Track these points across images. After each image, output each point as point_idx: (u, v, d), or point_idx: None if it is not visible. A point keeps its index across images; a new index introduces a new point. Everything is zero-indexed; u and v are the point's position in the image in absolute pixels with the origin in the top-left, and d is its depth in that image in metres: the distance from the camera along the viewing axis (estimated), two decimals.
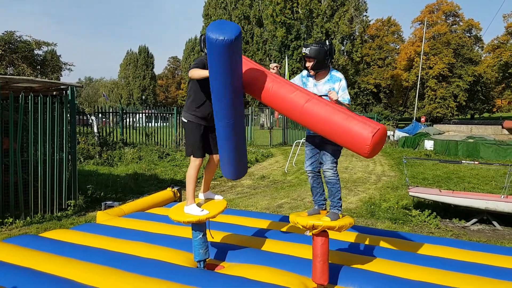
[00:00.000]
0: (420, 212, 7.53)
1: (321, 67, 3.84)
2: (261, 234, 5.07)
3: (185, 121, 4.11)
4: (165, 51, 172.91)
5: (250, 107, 24.81)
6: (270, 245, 4.61)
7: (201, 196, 4.44)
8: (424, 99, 49.79)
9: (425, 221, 7.30)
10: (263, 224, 5.54)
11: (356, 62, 43.35)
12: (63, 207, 7.73)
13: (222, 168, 4.22)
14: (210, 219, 4.07)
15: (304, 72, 4.07)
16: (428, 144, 19.10)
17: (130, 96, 70.89)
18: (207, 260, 4.11)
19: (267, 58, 43.74)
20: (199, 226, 3.99)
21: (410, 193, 7.74)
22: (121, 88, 73.03)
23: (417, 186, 9.21)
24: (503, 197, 7.21)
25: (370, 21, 46.53)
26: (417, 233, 6.49)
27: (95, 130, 15.32)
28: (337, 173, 3.83)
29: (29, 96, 7.11)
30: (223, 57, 3.30)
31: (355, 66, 43.82)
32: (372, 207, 8.37)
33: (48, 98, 7.39)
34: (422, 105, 49.33)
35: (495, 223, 7.19)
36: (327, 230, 3.61)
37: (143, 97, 69.80)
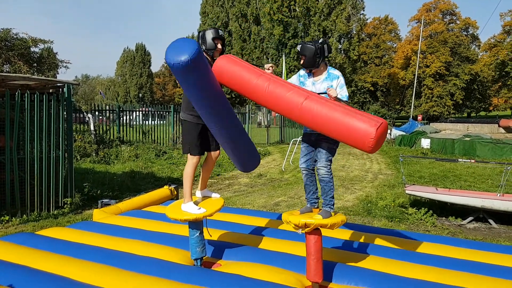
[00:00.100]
0: (417, 210, 7.55)
1: (311, 65, 3.85)
2: (258, 232, 5.08)
3: (183, 119, 4.12)
4: (162, 48, 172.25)
5: (247, 105, 24.80)
6: (267, 243, 4.62)
7: (198, 194, 4.44)
8: (421, 98, 49.90)
9: (421, 219, 7.32)
10: (260, 222, 5.54)
11: (353, 61, 43.35)
12: (60, 205, 7.71)
13: (234, 163, 4.38)
14: (207, 217, 4.08)
15: (302, 71, 4.08)
16: (425, 143, 19.15)
17: (127, 94, 70.69)
18: (204, 258, 4.11)
19: (264, 56, 43.71)
20: (196, 224, 3.99)
21: (407, 191, 7.75)
22: (118, 86, 72.79)
23: (413, 184, 9.23)
24: (499, 195, 7.24)
25: (367, 20, 46.48)
26: (414, 231, 6.51)
27: (92, 128, 15.30)
28: (330, 172, 3.82)
29: (26, 94, 7.08)
30: (185, 77, 3.31)
31: (352, 64, 43.81)
32: (368, 205, 8.39)
33: (44, 96, 7.36)
34: (419, 103, 49.44)
35: (491, 221, 7.22)
36: (320, 228, 3.62)
37: (140, 95, 69.64)
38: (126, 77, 71.10)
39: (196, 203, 4.12)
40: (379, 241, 4.79)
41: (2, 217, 6.81)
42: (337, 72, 3.91)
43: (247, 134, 4.19)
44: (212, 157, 4.38)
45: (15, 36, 21.65)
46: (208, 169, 4.43)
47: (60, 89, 7.94)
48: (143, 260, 4.06)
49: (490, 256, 4.33)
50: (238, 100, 44.71)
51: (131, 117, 18.89)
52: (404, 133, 22.35)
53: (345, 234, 4.99)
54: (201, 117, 3.84)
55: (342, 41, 41.60)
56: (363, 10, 41.85)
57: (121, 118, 17.61)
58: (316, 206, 4.04)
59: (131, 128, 17.83)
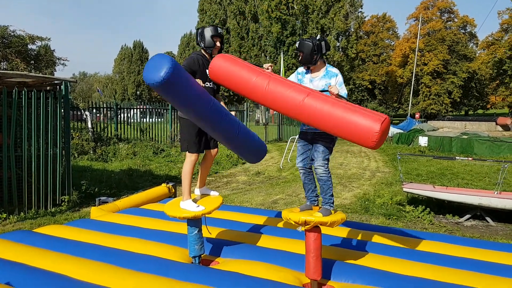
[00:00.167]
0: (414, 208, 7.56)
1: (309, 61, 3.85)
2: (256, 230, 5.08)
3: (181, 117, 4.11)
4: (160, 46, 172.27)
5: (245, 103, 24.78)
6: (265, 241, 4.62)
7: (197, 191, 4.44)
8: (419, 96, 49.91)
9: (418, 217, 7.34)
10: (258, 220, 5.55)
11: (351, 59, 43.33)
12: (57, 202, 7.70)
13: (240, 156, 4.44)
14: (206, 215, 4.08)
15: (300, 69, 4.09)
16: (422, 141, 19.17)
17: (125, 91, 70.54)
18: (202, 256, 4.11)
19: (262, 54, 43.65)
20: (195, 222, 3.99)
21: (404, 189, 7.77)
22: (115, 83, 72.64)
23: (411, 182, 9.24)
24: (497, 193, 7.26)
25: (365, 17, 46.50)
26: (411, 228, 6.52)
27: (89, 125, 15.26)
28: (328, 170, 3.83)
29: (23, 91, 7.06)
30: (165, 93, 3.32)
31: (350, 62, 43.81)
32: (366, 203, 8.41)
33: (41, 93, 7.34)
34: (416, 101, 49.45)
35: (488, 219, 7.24)
36: (319, 226, 3.62)
37: (138, 92, 69.47)
38: (123, 75, 70.94)
39: (194, 200, 4.13)
40: (376, 239, 4.79)
41: (0, 215, 6.80)
42: (335, 70, 3.92)
43: (245, 128, 4.16)
44: (210, 155, 4.38)
45: (12, 34, 21.59)
46: (206, 167, 4.43)
47: (58, 87, 7.92)
48: (141, 258, 4.06)
49: (487, 254, 4.34)
50: (236, 98, 44.67)
51: (129, 115, 18.85)
52: (401, 131, 22.37)
53: (342, 232, 5.00)
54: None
55: (340, 39, 41.57)
56: (361, 8, 41.87)
57: (119, 116, 17.57)
58: (316, 204, 4.04)
59: (128, 126, 17.80)
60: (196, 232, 3.98)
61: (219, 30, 4.19)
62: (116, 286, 3.45)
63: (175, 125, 18.37)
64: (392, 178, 11.53)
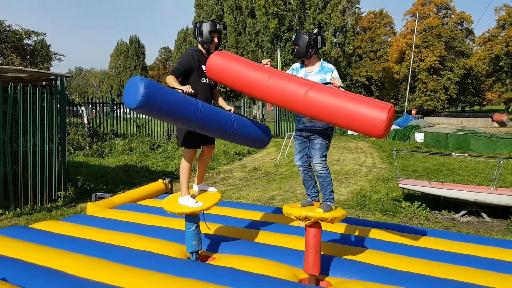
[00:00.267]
0: (410, 204, 7.59)
1: (303, 55, 3.84)
2: (253, 225, 5.09)
3: None
4: (157, 41, 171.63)
5: (242, 99, 24.75)
6: (262, 237, 4.62)
7: (195, 187, 4.44)
8: (415, 92, 50.01)
9: (414, 213, 7.36)
10: (255, 216, 5.55)
11: (348, 55, 43.32)
12: (53, 198, 7.68)
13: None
14: (204, 211, 4.07)
15: (295, 65, 4.10)
16: (419, 137, 19.23)
17: (121, 86, 70.20)
18: (199, 251, 4.11)
19: (260, 50, 43.56)
20: (193, 218, 3.99)
21: (400, 185, 7.79)
22: (111, 78, 72.29)
23: (407, 178, 9.28)
24: (492, 189, 7.29)
25: (362, 13, 46.39)
26: (407, 224, 6.54)
27: (85, 121, 15.21)
28: (327, 167, 3.83)
29: (18, 86, 7.02)
30: (147, 113, 3.44)
31: (347, 58, 43.79)
32: (362, 198, 8.43)
33: (37, 88, 7.30)
34: (413, 97, 49.56)
35: (484, 215, 7.27)
36: (320, 222, 3.62)
37: None
38: (120, 70, 70.61)
39: (193, 196, 4.12)
40: (372, 235, 4.81)
41: None
42: (331, 66, 3.92)
43: (241, 121, 4.16)
44: (207, 151, 4.38)
45: (8, 28, 21.44)
46: (204, 162, 4.43)
47: (53, 82, 7.87)
48: (138, 253, 4.06)
49: (482, 250, 4.36)
50: (233, 94, 44.60)
51: (125, 110, 18.78)
52: (398, 127, 22.43)
53: (339, 228, 5.01)
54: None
55: (337, 34, 41.52)
56: (358, 4, 41.74)
57: (115, 111, 17.52)
58: (317, 200, 4.06)
59: (125, 122, 17.75)
60: (194, 228, 3.98)
61: (218, 26, 4.17)
62: (113, 282, 3.45)
63: None
64: (388, 174, 11.56)
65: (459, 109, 58.47)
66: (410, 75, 37.02)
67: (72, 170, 9.82)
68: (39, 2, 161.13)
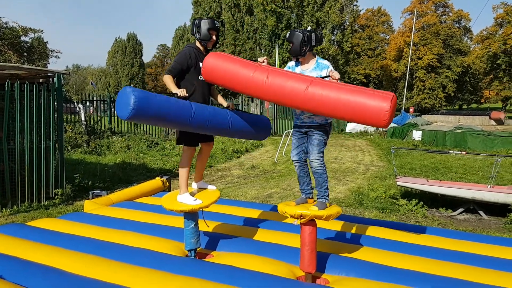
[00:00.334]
0: (408, 202, 7.60)
1: (298, 53, 3.82)
2: (250, 223, 5.08)
3: None
4: (154, 38, 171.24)
5: (240, 97, 24.73)
6: (260, 234, 4.62)
7: (194, 185, 4.43)
8: (413, 90, 50.06)
9: (412, 211, 7.38)
10: (252, 213, 5.55)
11: (346, 52, 43.29)
12: (50, 196, 7.66)
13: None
14: (203, 209, 4.07)
15: (290, 63, 4.09)
16: (416, 135, 19.25)
17: (118, 84, 70.00)
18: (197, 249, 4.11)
19: (258, 47, 43.49)
20: (192, 215, 3.98)
21: (398, 183, 7.80)
22: (109, 76, 72.07)
23: (404, 176, 9.29)
24: (490, 187, 7.31)
25: (360, 11, 46.40)
26: (404, 222, 6.56)
27: (83, 118, 15.17)
28: (323, 163, 3.82)
29: (16, 84, 7.00)
30: (140, 122, 3.55)
31: (345, 56, 43.77)
32: (360, 196, 8.44)
33: (34, 86, 7.28)
34: (411, 95, 49.60)
35: (481, 212, 7.29)
36: (315, 219, 3.62)
37: (132, 85, 69.02)
38: (117, 67, 70.39)
39: (192, 194, 4.11)
40: (370, 232, 4.81)
41: None
42: (326, 62, 3.91)
43: (237, 117, 4.17)
44: (206, 148, 4.37)
45: (5, 25, 21.38)
46: (202, 160, 4.42)
47: (51, 79, 7.85)
48: (135, 251, 4.05)
49: (480, 247, 4.37)
50: (231, 92, 44.54)
51: None
52: (396, 125, 22.44)
53: (336, 225, 5.01)
54: None
55: (335, 32, 41.50)
56: (356, 1, 41.76)
57: (112, 109, 17.47)
58: (311, 197, 4.05)
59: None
60: (192, 225, 3.98)
61: (216, 23, 4.15)
62: (110, 280, 3.44)
63: None
64: (386, 172, 11.58)
65: (457, 107, 58.56)
66: (408, 73, 37.03)
67: (69, 167, 9.80)
68: (37, 0, 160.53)
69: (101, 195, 6.90)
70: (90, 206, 5.98)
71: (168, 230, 4.70)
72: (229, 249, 4.25)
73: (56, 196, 7.67)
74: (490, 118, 27.74)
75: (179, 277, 3.39)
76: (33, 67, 7.34)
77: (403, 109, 33.25)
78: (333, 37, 41.03)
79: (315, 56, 3.96)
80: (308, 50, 3.83)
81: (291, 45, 3.84)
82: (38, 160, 7.41)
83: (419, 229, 5.08)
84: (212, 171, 11.93)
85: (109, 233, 4.61)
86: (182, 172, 4.10)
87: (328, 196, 3.87)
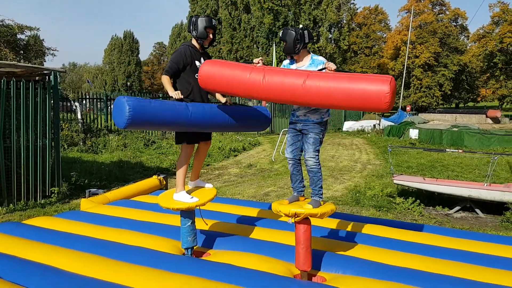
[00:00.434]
0: (404, 200, 7.62)
1: (291, 51, 3.83)
2: (247, 222, 5.08)
3: None
4: (151, 36, 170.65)
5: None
6: (257, 233, 4.62)
7: (191, 184, 4.42)
8: (410, 88, 50.10)
9: (409, 209, 7.39)
10: (249, 212, 5.55)
11: (343, 51, 43.35)
12: (47, 194, 7.64)
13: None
14: (200, 207, 4.07)
15: (285, 62, 4.11)
16: (413, 133, 19.28)
17: (115, 82, 69.82)
18: (194, 247, 4.10)
19: (255, 45, 43.48)
20: (188, 214, 3.98)
21: (395, 181, 7.81)
22: (105, 74, 71.85)
23: (401, 174, 9.30)
24: (486, 185, 7.33)
25: (357, 9, 46.49)
26: (401, 220, 6.57)
27: (79, 116, 15.11)
28: (318, 162, 3.82)
29: (12, 81, 6.96)
30: (137, 129, 3.62)
31: (342, 54, 43.82)
32: (357, 195, 8.45)
33: (30, 84, 7.25)
34: (407, 94, 49.65)
35: (477, 210, 7.31)
36: (309, 217, 3.62)
37: (128, 83, 68.81)
38: (114, 65, 70.17)
39: (188, 192, 4.11)
40: (367, 230, 4.82)
41: None
42: (321, 58, 3.91)
43: (235, 112, 4.17)
44: (204, 147, 4.36)
45: (1, 23, 21.28)
46: (200, 159, 4.42)
47: (47, 77, 7.82)
48: (132, 249, 4.04)
49: (476, 245, 4.38)
50: None
51: None
52: (392, 124, 22.48)
53: (333, 223, 5.02)
54: None
55: (332, 30, 41.54)
56: (353, 0, 41.80)
57: (109, 107, 17.41)
58: (302, 195, 4.06)
59: None
60: (189, 224, 3.97)
61: (213, 21, 4.13)
62: (107, 278, 3.43)
63: None
64: (383, 170, 11.60)
65: (454, 105, 58.69)
66: (404, 72, 37.09)
67: (65, 166, 9.77)
68: None
69: (97, 194, 6.89)
70: (86, 204, 5.96)
71: (165, 229, 4.69)
72: (226, 247, 4.25)
73: (53, 194, 7.65)
74: (486, 117, 27.79)
75: (176, 275, 3.38)
76: (29, 65, 7.30)
77: (400, 107, 33.31)
78: (330, 35, 41.09)
79: (310, 53, 3.97)
80: (302, 47, 3.84)
81: (284, 43, 3.85)
82: (35, 159, 7.38)
83: (416, 227, 5.09)
84: (209, 170, 11.92)
85: (105, 232, 4.60)
86: (180, 171, 4.09)
87: (322, 194, 3.88)
